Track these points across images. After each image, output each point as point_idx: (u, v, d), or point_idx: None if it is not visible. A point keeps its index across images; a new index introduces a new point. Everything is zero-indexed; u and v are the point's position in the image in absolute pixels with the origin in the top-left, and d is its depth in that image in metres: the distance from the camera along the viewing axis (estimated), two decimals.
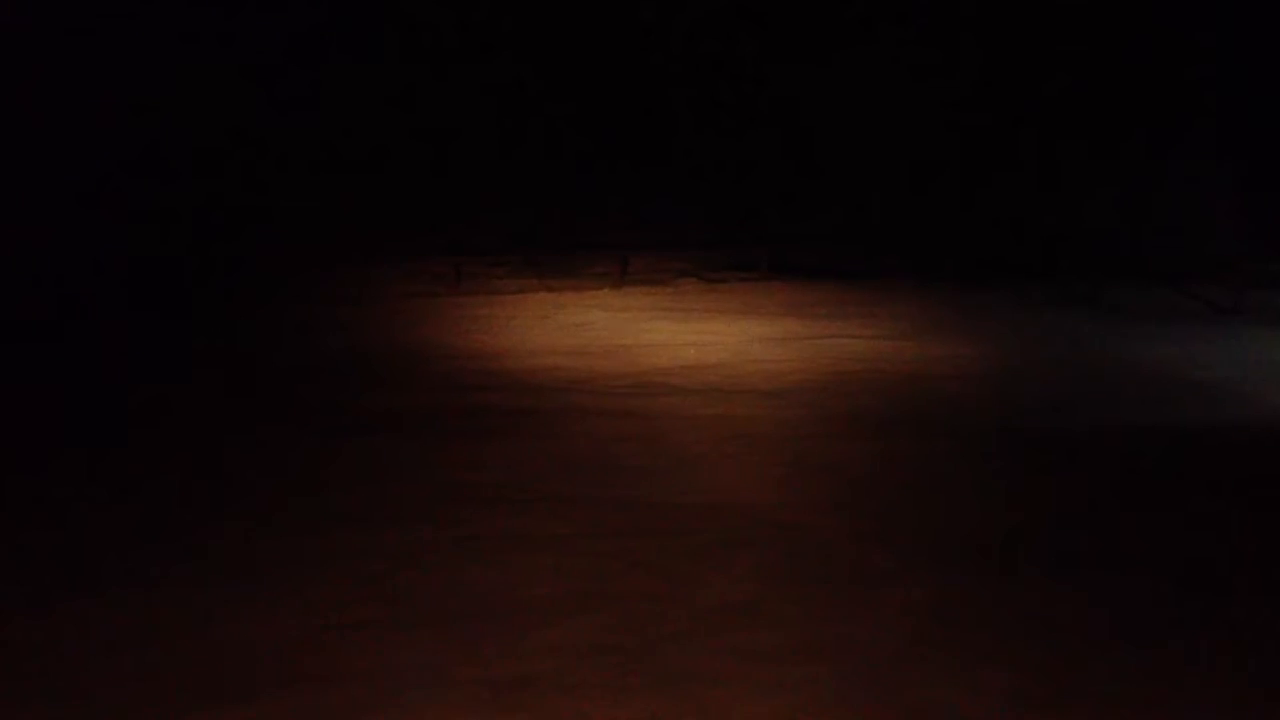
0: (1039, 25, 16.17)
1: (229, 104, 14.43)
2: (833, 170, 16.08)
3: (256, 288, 13.04)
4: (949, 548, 5.75)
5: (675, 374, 9.58)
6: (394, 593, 5.07)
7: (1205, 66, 15.82)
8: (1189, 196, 15.25)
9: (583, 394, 8.87)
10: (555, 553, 5.56)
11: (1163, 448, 7.84)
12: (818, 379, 9.56)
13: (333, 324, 11.80)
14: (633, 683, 4.24)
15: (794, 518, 6.16)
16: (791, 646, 4.57)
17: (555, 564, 5.42)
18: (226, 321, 11.93)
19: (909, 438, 7.86)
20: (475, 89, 15.83)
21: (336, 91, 14.94)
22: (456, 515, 6.09)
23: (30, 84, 13.35)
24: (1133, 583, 5.36)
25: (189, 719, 3.96)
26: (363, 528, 5.90)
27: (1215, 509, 6.57)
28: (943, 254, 15.13)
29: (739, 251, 15.47)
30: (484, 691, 4.16)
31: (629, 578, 5.26)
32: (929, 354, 10.69)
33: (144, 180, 13.69)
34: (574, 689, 4.18)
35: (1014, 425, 8.31)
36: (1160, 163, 15.54)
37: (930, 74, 16.06)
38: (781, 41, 16.46)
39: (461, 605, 4.93)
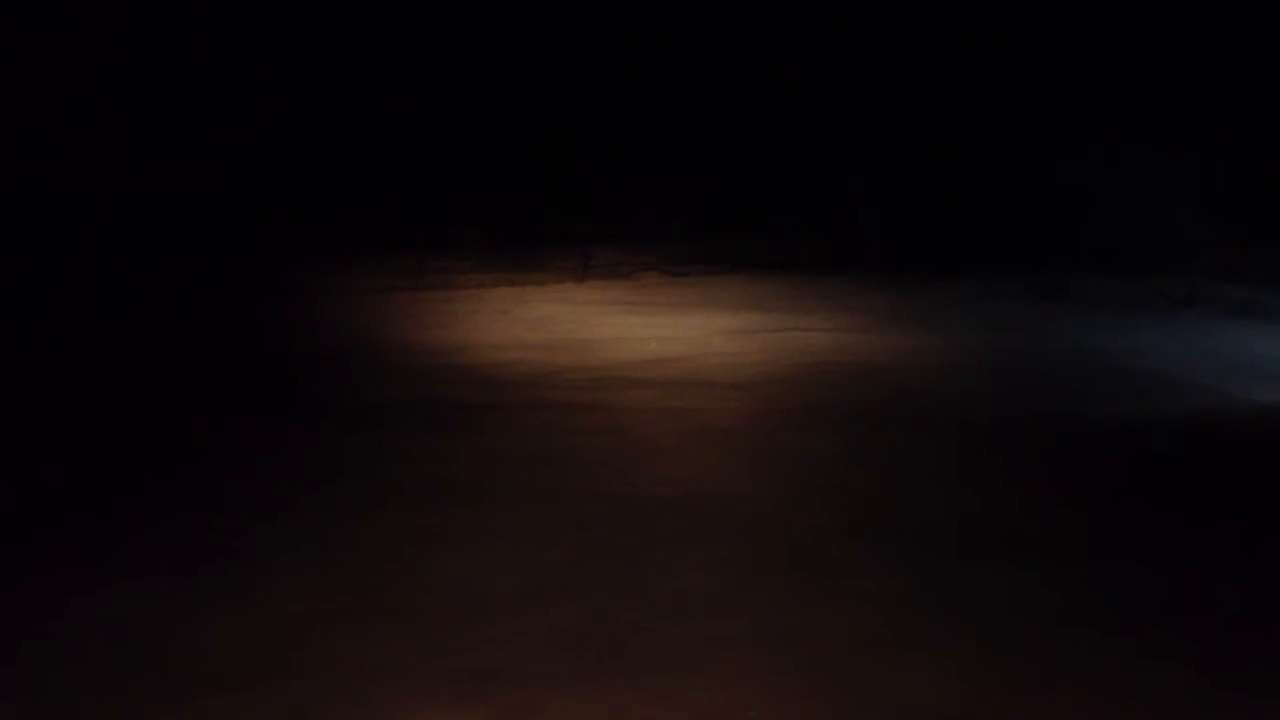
0: (1007, 20, 16.30)
1: (206, 105, 14.34)
2: (799, 163, 16.14)
3: (222, 285, 12.96)
4: (910, 537, 5.80)
5: (638, 367, 9.61)
6: (358, 585, 5.07)
7: (1171, 61, 16.01)
8: (1149, 189, 15.42)
9: (546, 388, 8.88)
10: (519, 545, 5.57)
11: (1115, 438, 7.95)
12: (780, 372, 9.62)
13: (295, 319, 11.74)
14: (597, 673, 4.26)
15: (756, 509, 6.20)
16: (755, 635, 4.60)
17: (519, 556, 5.43)
18: (191, 317, 11.83)
19: (870, 429, 7.92)
20: (439, 86, 15.78)
21: (307, 90, 14.88)
22: (421, 508, 6.09)
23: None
24: (1087, 568, 5.43)
25: (160, 711, 3.94)
26: (327, 520, 5.89)
27: (1165, 497, 6.67)
28: (907, 246, 15.23)
29: (702, 245, 15.52)
30: (449, 683, 4.16)
31: (593, 569, 5.28)
32: (892, 346, 10.78)
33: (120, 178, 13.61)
34: (538, 680, 4.19)
35: (974, 416, 8.39)
36: (1123, 156, 15.68)
37: (898, 68, 16.15)
38: (750, 37, 16.51)
39: (426, 597, 4.94)
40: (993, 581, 5.25)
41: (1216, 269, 13.96)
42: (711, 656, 4.40)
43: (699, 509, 6.17)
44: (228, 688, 4.10)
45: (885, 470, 7.03)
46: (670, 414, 8.14)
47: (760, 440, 7.58)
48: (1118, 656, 4.49)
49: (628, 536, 5.70)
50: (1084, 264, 14.31)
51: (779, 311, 12.36)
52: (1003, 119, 15.95)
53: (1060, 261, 14.18)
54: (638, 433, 7.68)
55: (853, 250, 15.22)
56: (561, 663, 4.34)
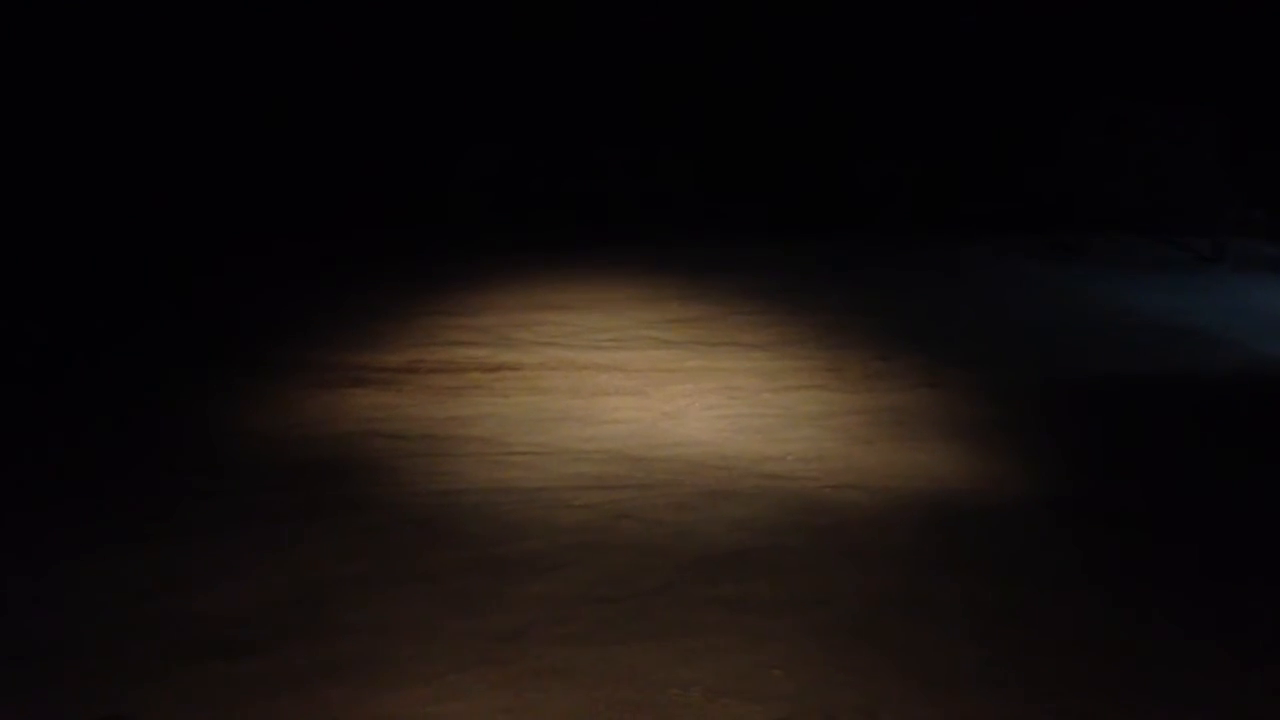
0: None
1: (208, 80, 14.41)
2: (815, 124, 16.00)
3: (224, 246, 12.96)
4: (932, 496, 5.79)
5: (658, 326, 9.56)
6: (384, 547, 5.09)
7: (1189, 18, 15.75)
8: (1172, 146, 15.24)
9: (565, 348, 8.85)
10: (540, 506, 5.58)
11: (1147, 395, 7.89)
12: (799, 331, 9.56)
13: (319, 280, 11.73)
14: (621, 634, 4.27)
15: (779, 468, 6.18)
16: (779, 596, 4.61)
17: (542, 517, 5.44)
18: (198, 277, 11.83)
19: (892, 388, 7.88)
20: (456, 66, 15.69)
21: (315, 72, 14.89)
22: (442, 470, 6.10)
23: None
24: (1111, 529, 5.42)
25: (188, 673, 3.97)
26: (350, 483, 5.91)
27: (1194, 457, 6.63)
28: (927, 208, 15.10)
29: (724, 205, 15.41)
30: (475, 644, 4.18)
31: (616, 530, 5.29)
32: (915, 306, 10.69)
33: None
34: (561, 641, 4.21)
35: (999, 373, 8.33)
36: (1143, 113, 15.48)
37: (911, 27, 15.95)
38: None
39: (450, 559, 4.95)
40: (1014, 540, 5.25)
41: (1243, 226, 13.79)
42: (736, 617, 4.41)
43: (723, 469, 6.16)
44: (252, 650, 4.14)
45: (907, 428, 6.99)
46: (692, 374, 8.12)
47: (782, 400, 7.55)
48: (1129, 622, 4.48)
49: (651, 497, 5.72)
50: (1104, 223, 14.17)
51: (796, 271, 12.28)
52: (1010, 79, 15.73)
53: (1080, 220, 14.04)
54: (659, 393, 7.65)
55: (864, 211, 15.06)
56: (586, 624, 4.35)
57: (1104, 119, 15.44)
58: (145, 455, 6.40)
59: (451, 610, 4.46)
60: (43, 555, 4.98)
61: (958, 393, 7.80)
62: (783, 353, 8.83)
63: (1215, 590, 4.76)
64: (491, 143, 15.56)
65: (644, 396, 7.58)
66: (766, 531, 5.30)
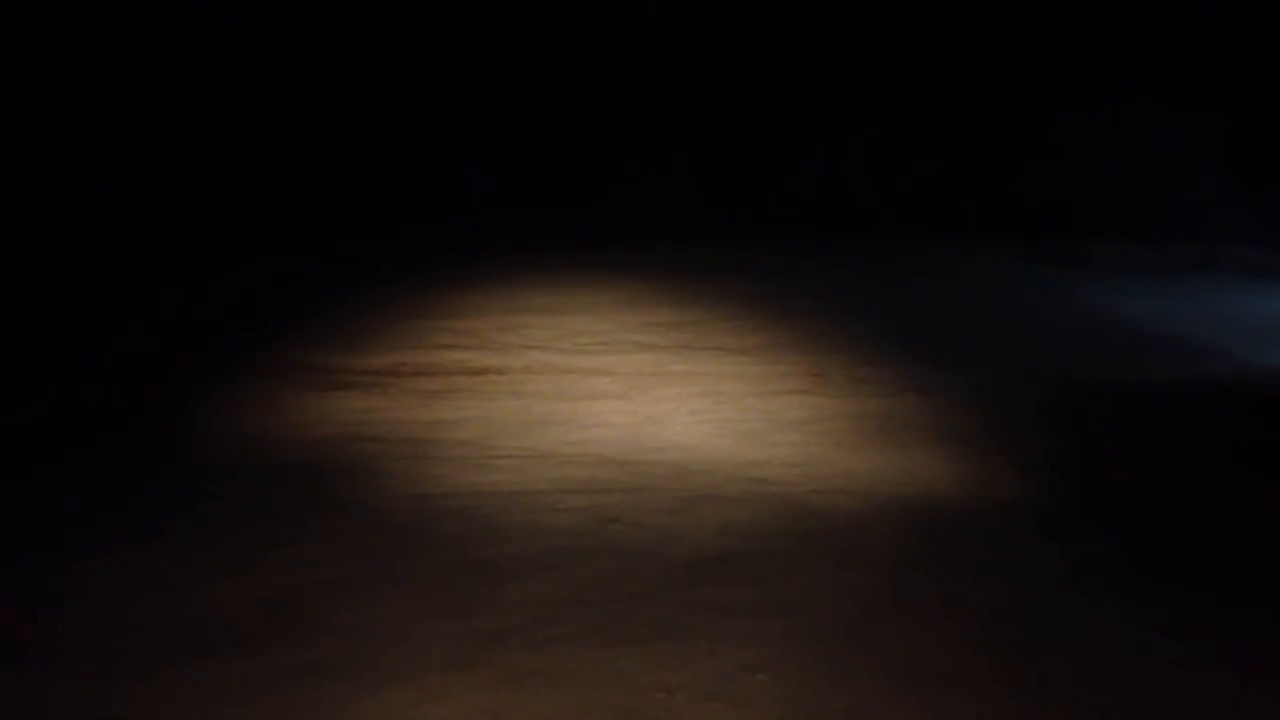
0: None
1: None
2: (809, 127, 16.01)
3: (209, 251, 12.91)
4: (918, 500, 5.76)
5: (645, 330, 9.54)
6: (367, 550, 5.05)
7: (1182, 20, 15.80)
8: (1163, 151, 15.27)
9: (551, 351, 8.82)
10: (525, 510, 5.54)
11: (1134, 401, 7.89)
12: (786, 335, 9.55)
13: (303, 283, 11.69)
14: (605, 638, 4.24)
15: (763, 473, 6.16)
16: (764, 600, 4.58)
17: (527, 521, 5.40)
18: (180, 283, 11.78)
19: (878, 393, 7.86)
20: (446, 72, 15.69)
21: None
22: (425, 473, 6.06)
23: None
24: (1098, 533, 5.40)
25: (175, 674, 3.94)
26: (332, 486, 5.87)
27: (1181, 462, 6.62)
28: (918, 211, 15.10)
29: (712, 211, 15.39)
30: (458, 646, 4.15)
31: (602, 534, 5.26)
32: (905, 311, 10.69)
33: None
34: (546, 645, 4.18)
35: (987, 379, 8.32)
36: (1134, 117, 15.52)
37: (897, 29, 15.97)
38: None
39: (434, 562, 4.92)
40: (1001, 544, 5.23)
41: (1232, 232, 13.83)
42: (721, 621, 4.38)
43: (707, 473, 6.14)
44: (234, 652, 4.10)
45: (892, 433, 6.98)
46: (677, 378, 8.09)
47: (767, 405, 7.53)
48: (1121, 619, 4.46)
49: (636, 501, 5.69)
50: (1094, 227, 14.19)
51: (784, 275, 12.26)
52: (1001, 83, 15.74)
53: (1070, 224, 14.06)
54: (644, 397, 7.62)
55: (857, 214, 15.06)
56: (569, 627, 4.32)
57: (1099, 123, 15.47)
58: (128, 459, 6.36)
59: (435, 613, 4.42)
60: (31, 559, 4.94)
61: (944, 398, 7.79)
62: (769, 357, 8.81)
63: (1205, 593, 4.74)
64: (486, 142, 15.55)
65: (630, 401, 7.56)
66: (752, 536, 5.27)
